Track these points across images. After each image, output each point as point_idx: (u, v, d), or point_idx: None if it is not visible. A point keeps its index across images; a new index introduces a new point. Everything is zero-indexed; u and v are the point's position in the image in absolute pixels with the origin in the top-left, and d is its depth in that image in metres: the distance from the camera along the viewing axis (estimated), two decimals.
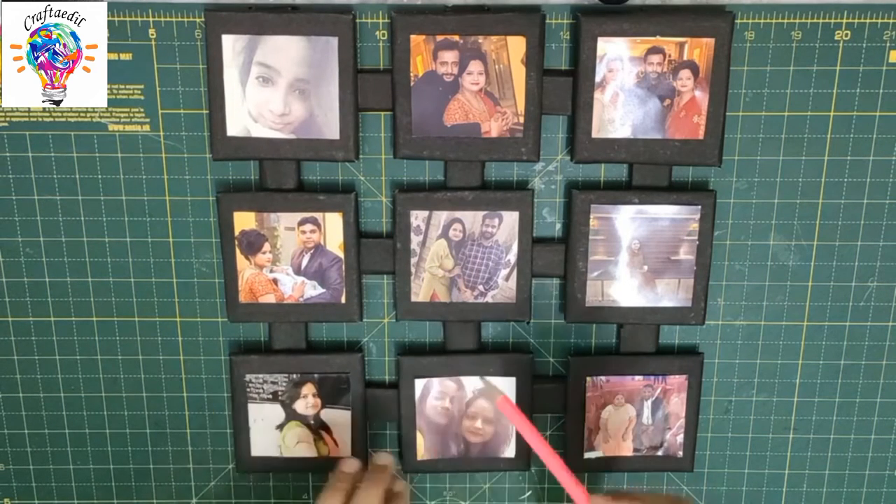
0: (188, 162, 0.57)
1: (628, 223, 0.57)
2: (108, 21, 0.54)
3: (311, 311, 0.59)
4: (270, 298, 0.58)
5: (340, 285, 0.58)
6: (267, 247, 0.57)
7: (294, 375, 0.60)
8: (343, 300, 0.58)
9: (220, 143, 0.55)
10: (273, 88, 0.54)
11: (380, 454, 0.59)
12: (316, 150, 0.55)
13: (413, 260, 0.58)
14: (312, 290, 0.58)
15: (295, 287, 0.58)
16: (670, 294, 0.58)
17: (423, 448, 0.62)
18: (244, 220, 0.57)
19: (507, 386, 0.60)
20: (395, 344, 0.61)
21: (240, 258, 0.58)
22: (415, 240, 0.57)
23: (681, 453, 0.62)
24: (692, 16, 0.53)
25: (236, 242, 0.57)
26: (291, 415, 0.61)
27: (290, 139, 0.55)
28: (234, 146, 0.55)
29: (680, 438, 0.61)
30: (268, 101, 0.54)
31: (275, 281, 0.58)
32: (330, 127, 0.55)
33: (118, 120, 0.56)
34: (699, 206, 0.57)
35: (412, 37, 0.53)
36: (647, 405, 0.61)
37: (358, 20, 0.54)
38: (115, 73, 0.55)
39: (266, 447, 0.61)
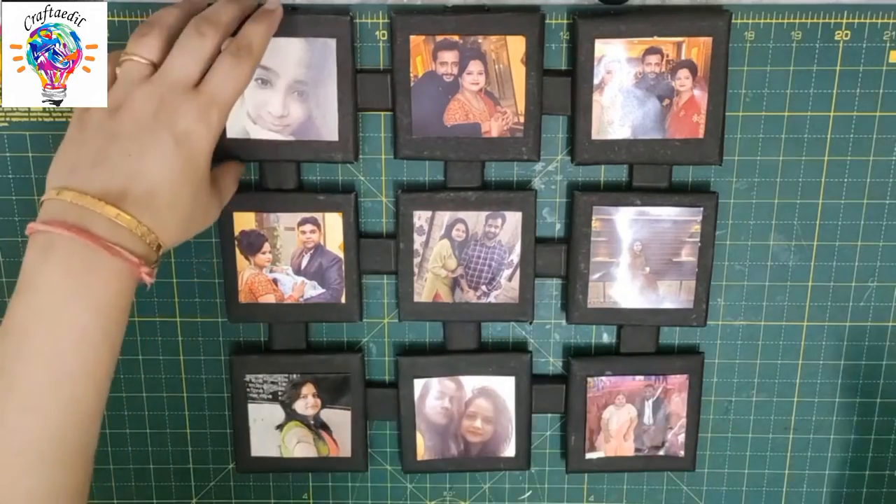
0: None
1: (630, 225, 0.57)
2: (108, 21, 0.54)
3: (311, 311, 0.59)
4: (270, 298, 0.58)
5: (340, 285, 0.58)
6: (267, 247, 0.57)
7: (294, 375, 0.60)
8: (343, 300, 0.58)
9: (219, 145, 0.55)
10: (272, 90, 0.54)
11: None
12: (315, 151, 0.55)
13: (416, 260, 0.58)
14: (312, 290, 0.58)
15: (295, 287, 0.58)
16: (672, 296, 0.58)
17: (422, 448, 0.62)
18: (244, 221, 0.57)
19: (506, 385, 0.60)
20: (395, 344, 0.61)
21: (240, 258, 0.58)
22: (417, 240, 0.57)
23: (682, 453, 0.62)
24: (689, 15, 0.53)
25: (236, 242, 0.57)
26: (291, 415, 0.61)
27: (290, 141, 0.55)
28: (234, 148, 0.55)
29: (681, 438, 0.61)
30: (266, 103, 0.54)
31: (275, 281, 0.58)
32: (329, 129, 0.55)
33: None
34: (701, 208, 0.57)
35: (412, 37, 0.53)
36: (649, 405, 0.61)
37: (357, 20, 0.54)
38: None
39: (266, 447, 0.61)
